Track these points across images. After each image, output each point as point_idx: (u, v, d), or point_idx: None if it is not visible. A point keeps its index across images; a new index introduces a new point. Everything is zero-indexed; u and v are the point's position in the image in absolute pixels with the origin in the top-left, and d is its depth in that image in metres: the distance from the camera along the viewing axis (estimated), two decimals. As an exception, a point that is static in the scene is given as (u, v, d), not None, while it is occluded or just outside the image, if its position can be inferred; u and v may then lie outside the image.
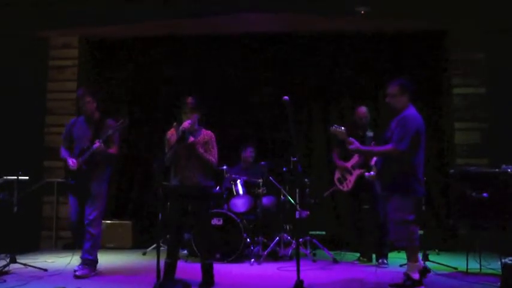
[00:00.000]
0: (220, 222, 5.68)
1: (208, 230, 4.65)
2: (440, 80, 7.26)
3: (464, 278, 4.69)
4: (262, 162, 6.35)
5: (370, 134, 5.58)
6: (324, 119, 7.37)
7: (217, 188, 6.15)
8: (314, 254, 5.96)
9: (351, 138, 4.47)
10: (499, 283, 4.08)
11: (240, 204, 6.02)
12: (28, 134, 6.91)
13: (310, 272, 5.01)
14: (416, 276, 4.15)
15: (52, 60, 7.43)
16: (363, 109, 5.72)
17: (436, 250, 6.09)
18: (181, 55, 7.56)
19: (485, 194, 4.67)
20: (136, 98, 7.70)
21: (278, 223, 6.13)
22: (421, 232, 4.40)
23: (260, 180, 6.04)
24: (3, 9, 6.44)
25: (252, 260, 5.57)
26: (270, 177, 6.11)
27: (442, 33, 7.15)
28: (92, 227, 4.85)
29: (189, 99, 4.38)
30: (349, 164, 5.58)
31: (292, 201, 5.78)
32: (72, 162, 4.82)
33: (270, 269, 5.29)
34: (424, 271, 4.20)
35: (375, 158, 4.54)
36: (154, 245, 6.07)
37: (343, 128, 4.76)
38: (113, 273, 5.02)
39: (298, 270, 3.79)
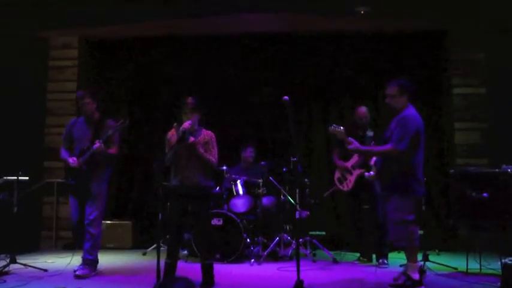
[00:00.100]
0: (220, 223, 5.68)
1: (208, 230, 4.65)
2: (440, 80, 7.26)
3: (464, 278, 4.69)
4: (262, 162, 6.35)
5: (370, 133, 5.58)
6: (324, 119, 7.37)
7: (217, 188, 6.15)
8: (314, 254, 5.95)
9: (350, 138, 4.47)
10: (499, 283, 4.08)
11: (240, 204, 6.02)
12: (28, 134, 6.91)
13: (310, 272, 5.01)
14: (416, 276, 4.16)
15: (52, 60, 7.43)
16: (363, 109, 5.72)
17: (436, 250, 6.09)
18: (181, 55, 7.56)
19: (485, 194, 4.66)
20: (136, 98, 7.70)
21: (278, 223, 6.13)
22: (421, 232, 4.40)
23: (260, 181, 6.04)
24: (3, 9, 6.43)
25: (252, 260, 5.57)
26: (270, 178, 6.11)
27: (442, 33, 7.15)
28: (92, 227, 4.85)
29: (189, 100, 4.38)
30: (349, 164, 5.58)
31: (292, 201, 5.78)
32: (72, 160, 4.83)
33: (270, 269, 5.29)
34: (420, 272, 4.21)
35: (374, 158, 4.54)
36: (155, 245, 6.08)
37: (342, 128, 4.77)
38: (113, 274, 5.03)
39: (298, 271, 3.79)
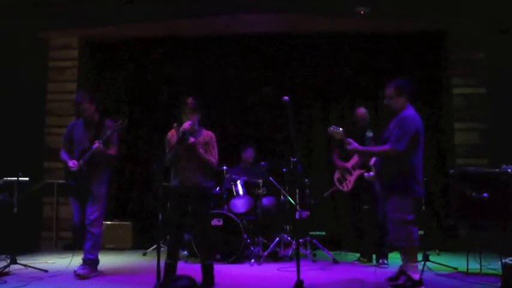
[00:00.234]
0: (221, 223, 5.68)
1: (208, 230, 4.64)
2: (440, 80, 7.26)
3: (465, 278, 4.68)
4: (262, 163, 6.35)
5: (370, 134, 5.58)
6: (324, 119, 7.37)
7: (218, 188, 6.15)
8: (314, 255, 5.96)
9: (348, 138, 4.47)
10: (499, 283, 4.08)
11: (240, 204, 6.02)
12: (28, 134, 6.91)
13: (310, 273, 5.01)
14: (416, 276, 4.16)
15: (52, 61, 7.43)
16: (362, 110, 5.73)
17: (437, 250, 6.09)
18: (181, 55, 7.56)
19: (485, 194, 4.66)
20: (136, 98, 7.70)
21: (278, 223, 6.13)
22: (421, 232, 4.40)
23: (260, 181, 6.04)
24: (3, 9, 6.43)
25: (252, 260, 5.57)
26: (270, 178, 6.11)
27: (442, 34, 7.15)
28: (93, 226, 4.87)
29: (189, 100, 4.38)
30: (349, 165, 5.58)
31: (292, 201, 5.78)
32: (72, 163, 4.84)
33: (270, 269, 5.29)
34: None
35: (374, 159, 4.55)
36: (155, 246, 6.07)
37: (340, 128, 4.76)
38: (113, 274, 5.03)
39: (298, 271, 3.79)
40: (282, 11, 6.52)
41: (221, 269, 4.97)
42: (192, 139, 4.29)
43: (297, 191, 5.75)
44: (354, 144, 4.41)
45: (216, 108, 7.14)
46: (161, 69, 7.62)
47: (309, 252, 5.94)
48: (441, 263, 5.18)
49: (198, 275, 4.38)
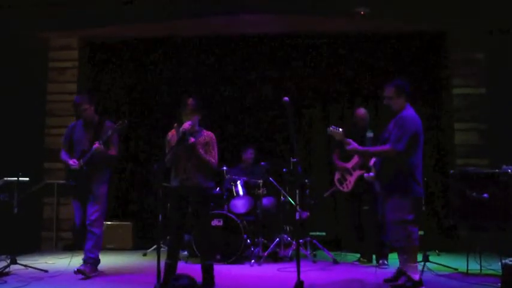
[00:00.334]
0: (221, 223, 5.68)
1: (209, 231, 4.64)
2: (440, 80, 7.25)
3: (465, 278, 4.68)
4: (262, 163, 6.34)
5: (370, 134, 5.58)
6: (324, 119, 7.37)
7: (218, 189, 6.15)
8: (314, 255, 5.96)
9: (348, 139, 4.47)
10: (499, 284, 4.08)
11: (240, 205, 6.02)
12: (28, 135, 6.91)
13: (310, 273, 5.01)
14: (416, 277, 4.16)
15: (52, 61, 7.42)
16: (362, 110, 5.73)
17: (437, 251, 6.09)
18: (181, 56, 7.56)
19: (485, 195, 4.66)
20: (137, 98, 7.70)
21: (278, 224, 6.14)
22: (421, 232, 4.40)
23: (260, 181, 6.04)
24: (3, 9, 6.43)
25: (252, 261, 5.57)
26: (270, 178, 6.11)
27: (442, 34, 7.15)
28: (94, 226, 4.88)
29: (190, 101, 4.37)
30: (349, 165, 5.58)
31: (292, 202, 5.77)
32: (73, 162, 4.86)
33: (270, 270, 5.29)
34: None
35: (373, 159, 4.54)
36: (155, 246, 6.08)
37: (340, 129, 4.76)
38: (114, 274, 5.03)
39: (298, 271, 3.79)
40: (282, 12, 6.52)
41: (221, 270, 4.97)
42: (192, 139, 4.28)
43: (297, 191, 5.75)
44: (353, 145, 4.41)
45: (216, 108, 7.14)
46: (161, 69, 7.62)
47: (309, 252, 5.93)
48: (441, 263, 5.18)
49: (198, 276, 4.37)
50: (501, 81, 6.65)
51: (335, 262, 5.62)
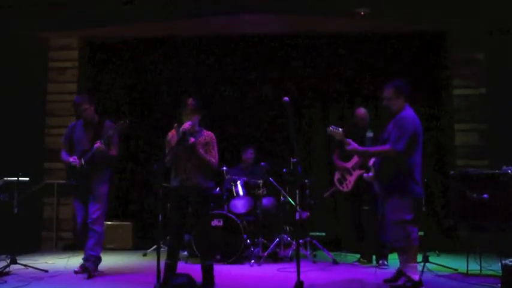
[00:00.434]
0: (221, 224, 5.68)
1: (209, 231, 4.64)
2: (440, 81, 7.25)
3: (465, 279, 4.68)
4: (262, 163, 6.34)
5: (370, 134, 5.58)
6: (324, 119, 7.37)
7: (218, 189, 6.15)
8: (314, 255, 5.96)
9: (348, 139, 4.47)
10: (499, 284, 4.08)
11: (240, 205, 6.02)
12: (28, 135, 6.91)
13: (310, 273, 5.01)
14: (416, 277, 4.16)
15: (52, 61, 7.43)
16: (362, 110, 5.73)
17: (437, 251, 6.08)
18: (181, 56, 7.56)
19: (485, 195, 4.66)
20: (137, 98, 7.70)
21: (278, 224, 6.13)
22: (421, 233, 4.40)
23: (260, 181, 6.04)
24: (3, 9, 6.43)
25: (252, 261, 5.57)
26: (270, 178, 6.11)
27: (442, 34, 7.15)
28: (95, 225, 4.90)
29: (190, 101, 4.37)
30: (349, 165, 5.58)
31: (292, 202, 5.77)
32: (73, 159, 4.87)
33: (270, 270, 5.29)
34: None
35: (373, 159, 4.54)
36: (155, 246, 6.07)
37: (340, 129, 4.76)
38: (114, 274, 5.03)
39: (298, 271, 3.79)
40: (282, 12, 6.52)
41: (221, 270, 4.97)
42: (192, 139, 4.28)
43: (297, 191, 5.75)
44: (353, 145, 4.41)
45: (216, 108, 7.14)
46: (161, 69, 7.62)
47: (309, 252, 5.93)
48: (441, 264, 5.17)
49: (198, 276, 4.37)
50: (501, 82, 6.65)
51: (335, 262, 5.62)
